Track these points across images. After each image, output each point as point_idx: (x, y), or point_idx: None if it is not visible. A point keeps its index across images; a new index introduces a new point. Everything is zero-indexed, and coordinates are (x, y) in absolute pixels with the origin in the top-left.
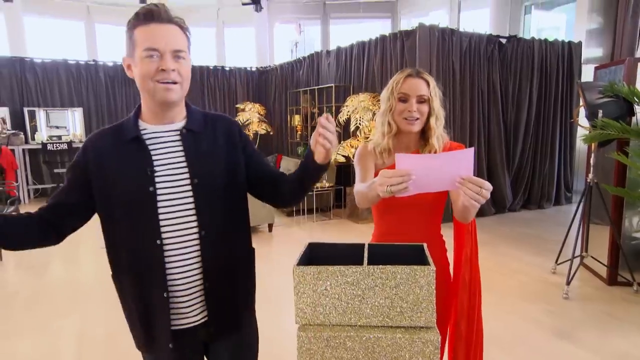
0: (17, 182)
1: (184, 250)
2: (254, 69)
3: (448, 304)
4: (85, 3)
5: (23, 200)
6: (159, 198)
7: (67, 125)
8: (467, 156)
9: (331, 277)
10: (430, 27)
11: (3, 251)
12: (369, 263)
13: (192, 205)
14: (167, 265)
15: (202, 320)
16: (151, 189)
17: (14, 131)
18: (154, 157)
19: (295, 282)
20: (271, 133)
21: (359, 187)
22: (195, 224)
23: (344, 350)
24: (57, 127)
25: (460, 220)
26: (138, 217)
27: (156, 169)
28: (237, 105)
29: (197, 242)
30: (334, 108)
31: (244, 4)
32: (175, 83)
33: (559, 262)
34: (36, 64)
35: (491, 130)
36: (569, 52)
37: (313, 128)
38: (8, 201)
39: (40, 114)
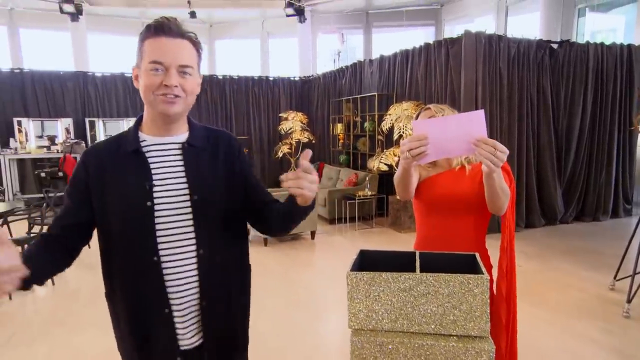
0: None
1: (181, 269)
2: (297, 79)
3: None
4: (141, 19)
5: None
6: (157, 214)
7: None
8: (478, 117)
9: (384, 283)
10: (477, 33)
11: None
12: (420, 271)
13: (190, 222)
14: (167, 284)
15: (197, 343)
16: (149, 203)
17: (76, 140)
18: (153, 171)
19: (348, 288)
20: (313, 141)
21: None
22: (193, 241)
23: (396, 356)
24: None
25: (492, 210)
26: (135, 232)
27: (155, 183)
28: (280, 114)
29: (194, 260)
30: (376, 116)
31: (288, 16)
32: (177, 97)
33: (617, 278)
34: (97, 78)
35: (541, 138)
36: (628, 56)
37: (355, 137)
38: None
39: (99, 124)
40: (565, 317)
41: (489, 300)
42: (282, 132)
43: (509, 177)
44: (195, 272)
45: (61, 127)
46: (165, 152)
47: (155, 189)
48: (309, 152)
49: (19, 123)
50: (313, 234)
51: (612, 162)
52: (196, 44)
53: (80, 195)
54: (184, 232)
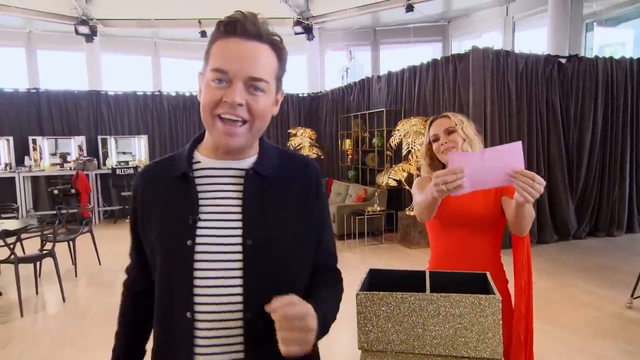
0: (90, 204)
1: (220, 332)
2: (305, 95)
3: (507, 336)
4: (153, 39)
5: (94, 221)
6: (197, 257)
7: (134, 151)
8: (515, 149)
9: (394, 303)
10: (484, 49)
11: (78, 268)
12: (431, 291)
13: (239, 274)
14: (197, 350)
15: None
16: (189, 242)
17: (88, 157)
18: (202, 202)
19: (358, 308)
20: (322, 157)
21: (417, 198)
22: (239, 298)
23: None
24: (124, 153)
25: (515, 232)
26: (170, 277)
27: (202, 216)
28: (289, 130)
29: (239, 323)
30: (385, 132)
31: (296, 34)
32: (244, 123)
33: (635, 295)
34: (109, 96)
35: (551, 153)
36: (638, 70)
37: (364, 152)
38: (83, 222)
39: (111, 142)
40: (582, 336)
41: (501, 322)
42: (291, 148)
43: None
44: (239, 340)
45: (74, 145)
46: (222, 178)
47: (200, 224)
48: (293, 299)
49: (34, 141)
50: None
51: (625, 176)
52: (279, 51)
53: (135, 227)
54: (229, 286)
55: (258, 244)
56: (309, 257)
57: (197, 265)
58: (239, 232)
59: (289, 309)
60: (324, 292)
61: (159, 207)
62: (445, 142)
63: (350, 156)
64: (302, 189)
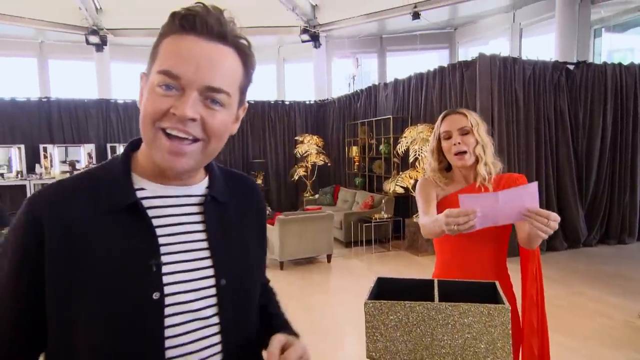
0: None
1: None
2: (312, 102)
3: (515, 348)
4: None
5: None
6: (167, 311)
7: None
8: (530, 190)
9: (402, 312)
10: (491, 56)
11: None
12: (439, 300)
13: (215, 320)
14: None
15: None
16: (156, 295)
17: (95, 165)
18: (160, 240)
19: (366, 317)
20: (329, 164)
21: (424, 220)
22: (218, 348)
23: None
24: None
25: (525, 247)
26: (128, 341)
27: (164, 259)
28: (296, 138)
29: None
30: (391, 139)
31: (303, 42)
32: (195, 141)
33: None
34: (119, 105)
35: (560, 160)
36: None
37: (371, 159)
38: None
39: (120, 149)
40: (594, 346)
41: (510, 332)
42: (298, 155)
43: None
44: None
45: (84, 153)
46: (176, 208)
47: (164, 269)
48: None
49: (45, 149)
50: (329, 257)
51: (636, 183)
52: (246, 57)
53: (30, 274)
54: (206, 337)
55: (230, 282)
56: (261, 278)
57: (168, 321)
58: (210, 271)
59: (290, 356)
60: (279, 310)
61: (97, 252)
62: (458, 143)
63: (357, 163)
64: (252, 211)
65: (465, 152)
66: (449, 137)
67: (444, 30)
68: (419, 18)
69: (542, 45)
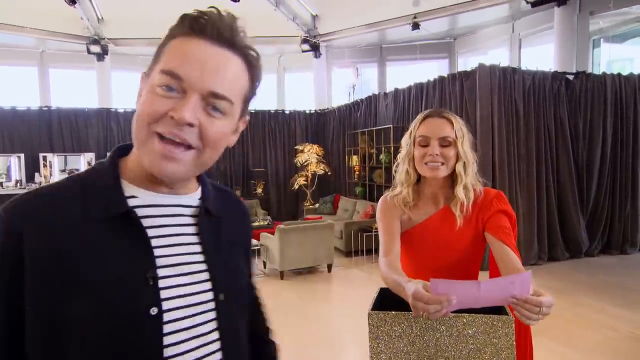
0: None
1: None
2: (312, 112)
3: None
4: None
5: None
6: (166, 329)
7: None
8: (523, 280)
9: (405, 323)
10: (491, 67)
11: None
12: None
13: (215, 336)
14: None
15: None
16: (154, 311)
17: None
18: (156, 253)
19: (370, 327)
20: (329, 173)
21: (384, 267)
22: None
23: None
24: None
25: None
26: None
27: (160, 272)
28: (296, 147)
29: None
30: (392, 148)
31: (303, 51)
32: (189, 148)
33: None
34: (119, 114)
35: (560, 170)
36: None
37: (371, 168)
38: None
39: None
40: (596, 357)
41: (515, 342)
42: (298, 164)
43: (512, 221)
44: None
45: (84, 161)
46: (170, 218)
47: (161, 283)
48: None
49: (44, 158)
50: (330, 267)
51: (638, 193)
52: (253, 69)
53: (10, 288)
54: (205, 355)
55: (228, 297)
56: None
57: (166, 340)
58: (208, 285)
59: None
60: (268, 336)
61: (86, 265)
62: (436, 155)
63: (357, 172)
64: (241, 224)
65: (442, 164)
66: (425, 145)
67: (444, 41)
68: (418, 28)
69: (541, 56)
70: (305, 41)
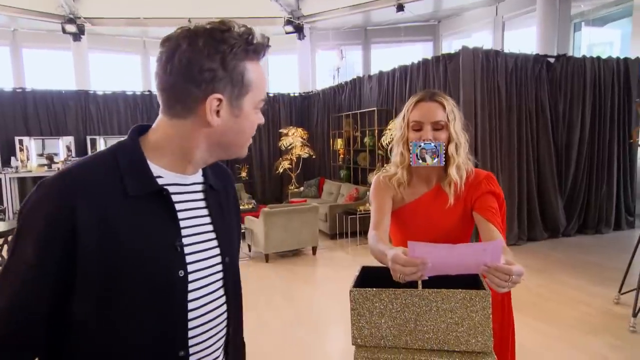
0: None
1: (209, 356)
2: (297, 95)
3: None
4: (142, 38)
5: None
6: (190, 287)
7: None
8: (494, 248)
9: (386, 299)
10: (474, 49)
11: None
12: (422, 287)
13: (221, 293)
14: None
15: None
16: (181, 273)
17: (77, 158)
18: (181, 224)
19: (351, 304)
20: (314, 157)
21: (372, 239)
22: (225, 316)
23: None
24: None
25: None
26: (154, 319)
27: (185, 241)
28: (281, 130)
29: (222, 343)
30: (376, 131)
31: (287, 33)
32: None
33: (622, 291)
34: (98, 96)
35: (540, 152)
36: (625, 70)
37: (355, 151)
38: None
39: (101, 142)
40: (573, 332)
41: (491, 316)
42: (283, 147)
43: (499, 201)
44: (222, 355)
45: (62, 146)
46: (188, 195)
47: (185, 250)
48: None
49: (20, 142)
50: (314, 249)
51: (613, 175)
52: None
53: (56, 262)
54: (218, 315)
55: (230, 259)
56: None
57: (190, 296)
58: (217, 251)
59: None
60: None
61: (128, 232)
62: (429, 139)
63: (341, 155)
64: (233, 195)
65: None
66: (419, 129)
67: (428, 23)
68: (403, 10)
69: (524, 39)
70: (288, 22)
